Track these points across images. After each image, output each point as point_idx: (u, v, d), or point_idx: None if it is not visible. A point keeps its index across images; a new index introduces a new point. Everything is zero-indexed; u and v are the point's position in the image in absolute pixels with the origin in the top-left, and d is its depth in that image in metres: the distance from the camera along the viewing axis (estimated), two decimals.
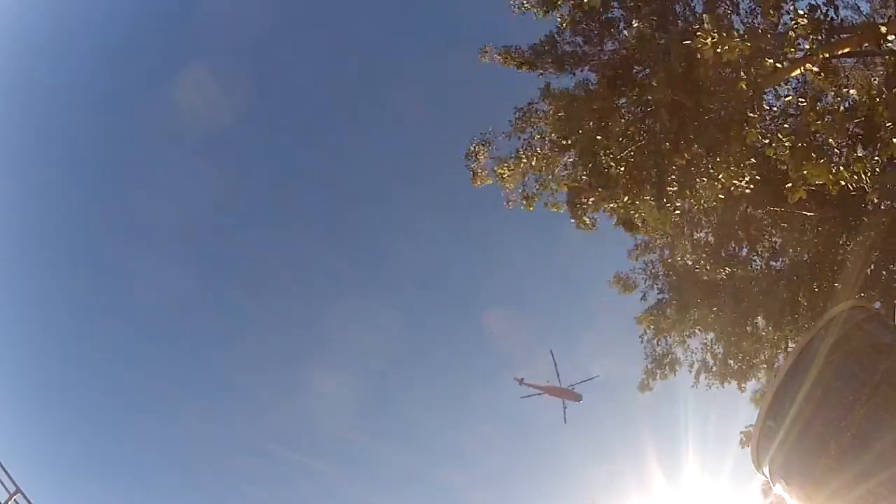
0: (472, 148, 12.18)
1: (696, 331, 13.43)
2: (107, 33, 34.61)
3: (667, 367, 13.91)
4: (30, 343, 35.23)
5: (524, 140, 11.83)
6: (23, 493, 13.79)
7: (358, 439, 35.89)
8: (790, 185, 8.69)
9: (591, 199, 10.66)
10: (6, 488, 13.63)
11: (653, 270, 14.30)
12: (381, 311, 37.55)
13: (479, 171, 12.16)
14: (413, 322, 39.73)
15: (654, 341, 14.03)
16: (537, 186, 12.03)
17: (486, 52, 11.90)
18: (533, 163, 11.58)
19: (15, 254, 34.85)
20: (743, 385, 13.85)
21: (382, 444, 36.73)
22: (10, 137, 33.15)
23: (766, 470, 3.75)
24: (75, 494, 32.92)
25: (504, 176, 11.75)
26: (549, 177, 11.74)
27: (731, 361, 13.39)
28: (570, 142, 10.57)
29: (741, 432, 14.08)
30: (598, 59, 11.10)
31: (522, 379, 27.95)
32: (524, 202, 12.11)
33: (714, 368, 13.67)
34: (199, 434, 37.79)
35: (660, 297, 13.99)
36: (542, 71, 11.41)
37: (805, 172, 8.10)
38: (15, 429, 30.30)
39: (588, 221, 11.70)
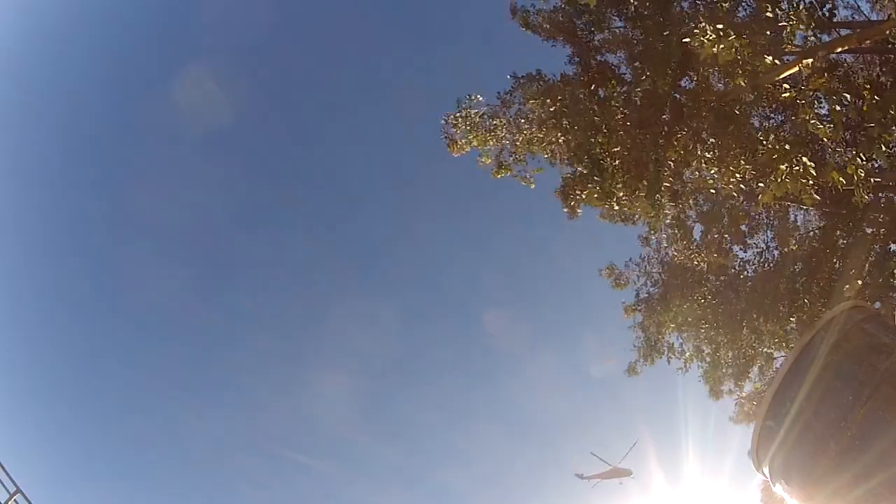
0: (451, 116, 11.87)
1: (687, 326, 13.43)
2: (107, 33, 34.60)
3: (654, 353, 13.94)
4: (30, 343, 35.23)
5: (509, 116, 11.81)
6: (23, 493, 13.80)
7: (358, 439, 35.90)
8: (762, 185, 8.70)
9: (584, 193, 10.57)
10: (6, 488, 13.64)
11: (647, 268, 14.27)
12: (381, 310, 37.54)
13: (458, 139, 11.87)
14: (413, 322, 39.73)
15: (642, 333, 14.12)
16: (512, 160, 11.98)
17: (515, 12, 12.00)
18: (517, 140, 11.58)
19: (15, 254, 34.85)
20: (740, 383, 13.85)
21: (383, 444, 36.76)
22: (9, 137, 33.14)
23: (766, 470, 3.75)
24: (75, 494, 32.92)
25: (479, 143, 11.69)
26: (528, 154, 11.75)
27: (729, 355, 13.36)
28: (564, 132, 10.50)
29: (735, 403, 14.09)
30: (591, 47, 11.12)
31: (582, 474, 31.60)
32: (496, 169, 12.08)
33: (708, 360, 13.64)
34: (199, 434, 37.80)
35: (651, 290, 14.00)
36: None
37: (776, 177, 8.10)
38: (15, 429, 30.28)
39: (580, 213, 11.68)
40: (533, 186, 12.22)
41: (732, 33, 7.44)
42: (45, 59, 33.06)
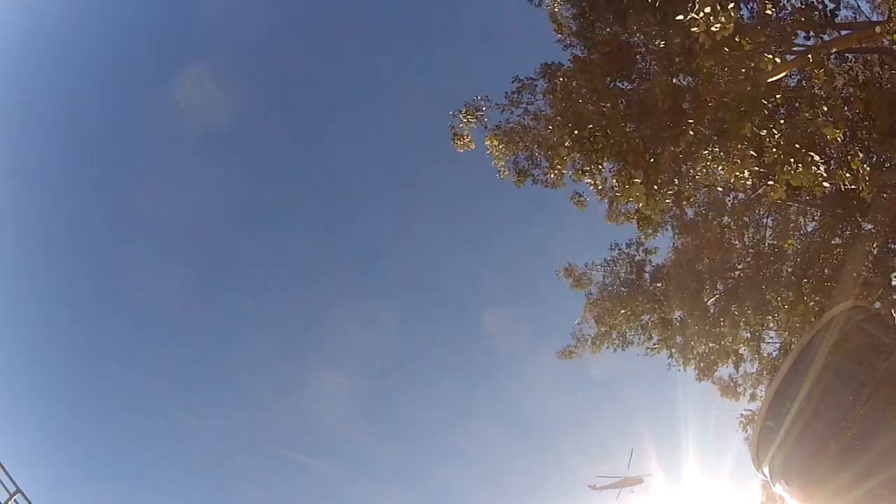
0: (459, 114, 11.71)
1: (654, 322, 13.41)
2: (107, 33, 34.59)
3: (605, 340, 13.96)
4: (30, 343, 35.23)
5: (518, 115, 11.74)
6: (23, 493, 13.80)
7: (358, 439, 35.90)
8: (772, 182, 8.72)
9: (568, 156, 10.36)
10: (6, 488, 13.65)
11: (614, 268, 14.30)
12: (381, 310, 37.53)
13: (465, 134, 11.75)
14: (413, 322, 39.72)
15: (593, 320, 14.18)
16: (528, 164, 11.90)
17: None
18: (526, 141, 11.53)
19: (15, 254, 34.85)
20: (704, 376, 13.86)
21: (383, 444, 36.76)
22: (9, 137, 33.13)
23: (766, 470, 3.74)
24: (75, 494, 32.92)
25: (495, 149, 11.59)
26: (540, 155, 11.70)
27: (701, 348, 13.36)
28: (565, 119, 10.44)
29: (741, 414, 14.10)
30: (601, 38, 11.14)
31: (595, 485, 31.44)
32: (516, 178, 11.98)
33: (679, 351, 13.63)
34: (200, 434, 37.79)
35: (618, 289, 13.99)
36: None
37: (787, 174, 8.10)
38: (15, 429, 30.28)
39: (563, 182, 11.58)
40: (558, 188, 12.01)
41: (729, 11, 7.36)
42: (45, 59, 33.07)
